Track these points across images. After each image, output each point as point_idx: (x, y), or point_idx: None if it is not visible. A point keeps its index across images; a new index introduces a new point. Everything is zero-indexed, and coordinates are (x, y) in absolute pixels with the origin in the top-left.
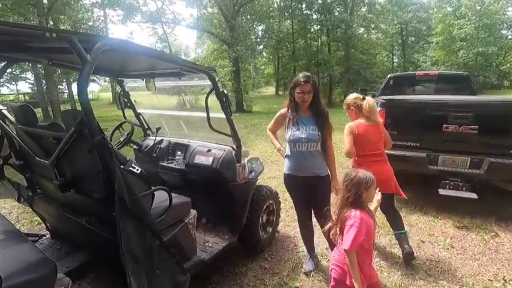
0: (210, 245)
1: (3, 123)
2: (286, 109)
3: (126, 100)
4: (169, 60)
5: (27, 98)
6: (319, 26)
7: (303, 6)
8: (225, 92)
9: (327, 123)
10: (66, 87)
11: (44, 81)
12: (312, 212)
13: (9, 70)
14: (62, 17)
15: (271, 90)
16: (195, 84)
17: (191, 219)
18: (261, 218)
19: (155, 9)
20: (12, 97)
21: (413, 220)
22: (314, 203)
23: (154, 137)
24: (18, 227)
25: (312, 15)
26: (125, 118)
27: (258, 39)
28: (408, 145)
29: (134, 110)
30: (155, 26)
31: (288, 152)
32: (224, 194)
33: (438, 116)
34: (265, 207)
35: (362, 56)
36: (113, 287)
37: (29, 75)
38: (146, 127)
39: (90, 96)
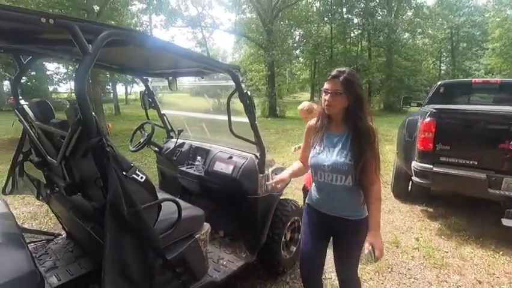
0: (225, 263)
1: (23, 120)
2: (316, 119)
3: (150, 100)
4: (187, 56)
5: None
6: (360, 31)
7: (344, 10)
8: (249, 93)
9: (370, 150)
10: (111, 87)
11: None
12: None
13: (64, 70)
14: (112, 22)
15: (306, 95)
16: (218, 84)
17: (203, 235)
18: (284, 236)
19: (195, 14)
20: (66, 95)
21: (467, 253)
22: (336, 250)
23: (175, 140)
24: (43, 222)
25: (352, 20)
26: (148, 118)
27: (295, 44)
28: (464, 163)
29: (158, 111)
30: (195, 31)
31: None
32: (244, 207)
33: (503, 130)
34: (289, 223)
35: (406, 63)
36: None
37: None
38: (169, 129)
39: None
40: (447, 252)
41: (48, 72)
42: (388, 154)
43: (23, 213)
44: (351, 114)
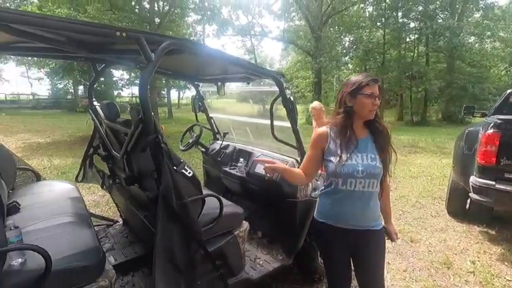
0: (261, 262)
1: (95, 118)
2: (327, 127)
3: (200, 104)
4: (235, 63)
5: (138, 100)
6: (417, 35)
7: (399, 14)
8: (292, 99)
9: (391, 148)
10: (166, 92)
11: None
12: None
13: (127, 76)
14: (170, 32)
15: None
16: (263, 90)
17: (241, 232)
18: None
19: (245, 23)
20: (127, 99)
21: None
22: (361, 267)
23: (220, 141)
24: (104, 210)
25: (409, 24)
26: (197, 121)
27: (344, 50)
28: None
29: (207, 114)
30: (244, 39)
31: (321, 185)
32: (282, 210)
33: None
34: None
35: (471, 69)
36: None
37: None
38: (216, 131)
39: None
40: (510, 280)
41: (114, 79)
42: (445, 168)
43: (88, 201)
44: (374, 117)
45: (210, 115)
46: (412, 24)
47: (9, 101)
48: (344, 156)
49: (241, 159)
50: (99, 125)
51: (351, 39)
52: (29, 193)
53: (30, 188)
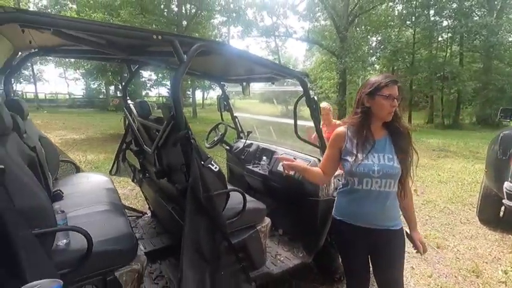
0: (282, 259)
1: (128, 115)
2: (345, 127)
3: (225, 103)
4: (260, 63)
5: (164, 100)
6: (450, 34)
7: (431, 12)
8: (316, 99)
9: (412, 149)
10: (191, 93)
11: None
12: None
13: (154, 77)
14: (196, 34)
15: None
16: (287, 90)
17: (263, 227)
18: None
19: (270, 24)
20: (154, 99)
21: None
22: (380, 266)
23: (244, 140)
24: (133, 203)
25: (441, 22)
26: (222, 120)
27: (371, 51)
28: None
29: (232, 113)
30: (269, 40)
31: (339, 184)
32: (304, 208)
33: None
34: None
35: (510, 69)
36: None
37: (168, 82)
38: (240, 130)
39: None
40: None
41: (142, 79)
42: (477, 174)
43: (119, 194)
44: (394, 117)
45: (234, 114)
46: (445, 23)
47: (49, 100)
48: (360, 156)
49: (264, 158)
50: (132, 122)
51: (379, 39)
52: (70, 183)
53: (70, 178)
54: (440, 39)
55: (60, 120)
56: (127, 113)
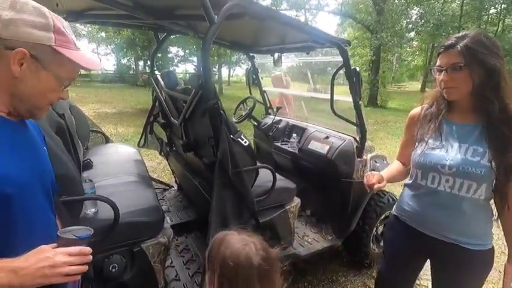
0: (309, 240)
1: (156, 87)
2: (422, 107)
3: (254, 77)
4: (298, 27)
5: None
6: (504, 5)
7: None
8: (357, 69)
9: None
10: (217, 69)
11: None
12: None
13: (182, 53)
14: None
15: (415, 85)
16: (324, 60)
17: (292, 208)
18: (375, 229)
19: None
20: (181, 75)
21: None
22: (437, 273)
23: (273, 116)
24: (160, 176)
25: None
26: (251, 94)
27: (410, 25)
28: None
29: (260, 87)
30: (299, 13)
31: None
32: (336, 190)
33: None
34: (383, 217)
35: None
36: None
37: (194, 58)
38: (268, 105)
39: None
40: None
41: (170, 55)
42: None
43: (147, 166)
44: (483, 99)
45: (263, 89)
46: None
47: (83, 75)
48: (430, 143)
49: (294, 135)
50: (159, 94)
51: (420, 11)
52: (99, 153)
53: (100, 148)
54: (491, 11)
55: (93, 94)
56: (154, 84)
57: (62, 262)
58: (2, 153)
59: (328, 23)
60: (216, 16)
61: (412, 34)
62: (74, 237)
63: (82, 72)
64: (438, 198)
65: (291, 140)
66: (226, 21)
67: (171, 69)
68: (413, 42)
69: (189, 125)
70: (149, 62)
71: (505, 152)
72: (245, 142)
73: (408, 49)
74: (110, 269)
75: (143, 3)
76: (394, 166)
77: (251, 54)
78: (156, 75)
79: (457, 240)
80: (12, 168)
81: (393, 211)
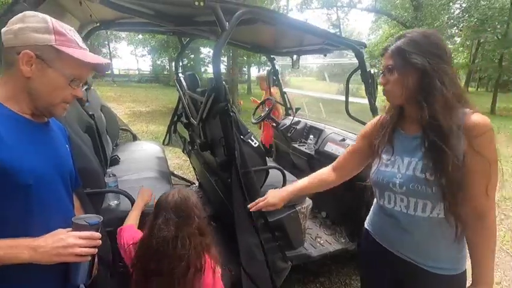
0: (322, 242)
1: (179, 88)
2: (380, 116)
3: (274, 78)
4: (311, 31)
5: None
6: None
7: None
8: (372, 72)
9: (473, 155)
10: (247, 70)
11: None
12: None
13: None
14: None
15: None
16: (341, 62)
17: (303, 208)
18: None
19: None
20: (212, 75)
21: None
22: None
23: (292, 117)
24: (186, 173)
25: None
26: (271, 95)
27: (451, 20)
28: None
29: (281, 89)
30: (330, 12)
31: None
32: (351, 193)
33: None
34: None
35: None
36: (225, 243)
37: (225, 58)
38: (288, 106)
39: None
40: None
41: (201, 56)
42: None
43: (173, 164)
44: (415, 102)
45: (284, 90)
46: None
47: (121, 75)
48: (384, 159)
49: (311, 136)
50: (182, 95)
51: (463, 5)
52: (126, 149)
53: (128, 145)
54: None
55: (130, 93)
56: (178, 86)
57: (74, 244)
58: (25, 149)
59: (361, 21)
60: (228, 23)
61: (455, 30)
62: (86, 223)
63: (121, 72)
64: (396, 219)
65: (308, 141)
66: (243, 26)
67: (202, 69)
68: (455, 39)
69: (206, 125)
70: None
71: (441, 166)
72: (255, 143)
73: (450, 46)
74: None
75: (163, 11)
76: (313, 175)
77: (271, 56)
78: (180, 77)
79: (423, 263)
80: (32, 162)
81: (366, 224)
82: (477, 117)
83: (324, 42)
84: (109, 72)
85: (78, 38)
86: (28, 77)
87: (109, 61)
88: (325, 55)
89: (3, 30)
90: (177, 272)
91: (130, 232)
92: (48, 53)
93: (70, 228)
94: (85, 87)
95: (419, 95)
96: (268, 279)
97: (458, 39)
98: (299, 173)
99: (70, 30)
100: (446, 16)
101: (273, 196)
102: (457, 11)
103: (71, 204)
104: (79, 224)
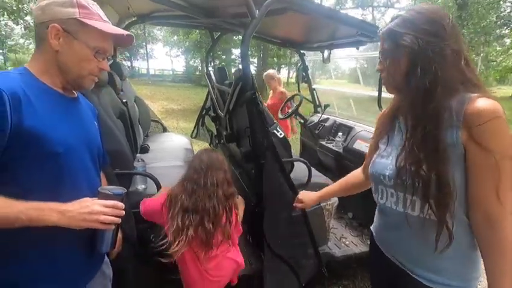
0: (347, 242)
1: (208, 82)
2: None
3: (304, 74)
4: (343, 20)
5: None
6: None
7: None
8: None
9: (476, 149)
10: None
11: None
12: None
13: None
14: None
15: (506, 91)
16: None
17: (329, 206)
18: None
19: None
20: None
21: None
22: None
23: (320, 114)
24: None
25: None
26: (299, 91)
27: (501, 20)
28: None
29: (310, 85)
30: (365, 12)
31: None
32: None
33: None
34: None
35: None
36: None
37: (255, 60)
38: (317, 103)
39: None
40: None
41: (233, 57)
42: None
43: None
44: (406, 87)
45: (313, 86)
46: None
47: (156, 75)
48: (381, 149)
49: (340, 134)
50: (211, 88)
51: None
52: (156, 140)
53: (158, 136)
54: None
55: (163, 92)
56: (207, 80)
57: (98, 211)
58: (57, 120)
59: None
60: (257, 11)
61: (505, 30)
62: (111, 193)
63: (157, 72)
64: (387, 216)
65: (337, 138)
66: (274, 17)
67: (233, 70)
68: (505, 40)
69: (233, 117)
70: (212, 61)
71: (417, 157)
72: (280, 134)
73: (498, 48)
74: (151, 238)
75: (195, 3)
76: (343, 180)
77: (302, 52)
78: (209, 71)
79: (418, 274)
80: (63, 132)
81: (372, 226)
82: (482, 102)
83: (357, 33)
84: (146, 72)
85: (101, 12)
86: (57, 51)
87: (131, 33)
88: (357, 48)
89: (34, 7)
90: (209, 207)
91: (153, 199)
92: (74, 26)
93: (96, 198)
94: (111, 61)
95: (412, 79)
96: (292, 275)
97: (508, 41)
98: (326, 172)
99: (93, 5)
100: (495, 15)
101: (303, 196)
102: (508, 9)
103: (98, 176)
104: (104, 193)
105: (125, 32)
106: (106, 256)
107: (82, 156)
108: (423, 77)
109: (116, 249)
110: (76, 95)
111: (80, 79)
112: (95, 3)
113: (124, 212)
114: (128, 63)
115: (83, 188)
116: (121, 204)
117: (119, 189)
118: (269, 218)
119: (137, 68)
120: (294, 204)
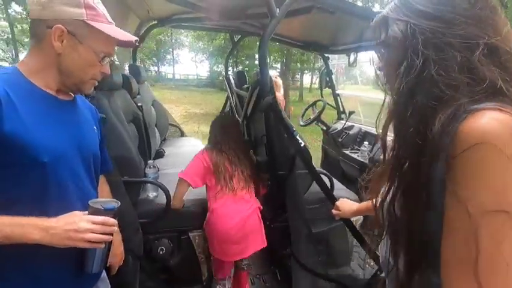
0: (372, 264)
1: (227, 86)
2: None
3: (328, 79)
4: (372, 17)
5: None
6: None
7: None
8: None
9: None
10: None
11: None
12: None
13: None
14: None
15: None
16: None
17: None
18: None
19: None
20: None
21: None
22: None
23: (344, 121)
24: None
25: None
26: (322, 97)
27: None
28: None
29: (333, 90)
30: None
31: None
32: None
33: None
34: None
35: None
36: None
37: (278, 65)
38: (341, 110)
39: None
40: None
41: (256, 62)
42: None
43: None
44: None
45: (337, 91)
46: None
47: (181, 80)
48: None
49: (366, 143)
50: (230, 93)
51: None
52: (173, 144)
53: (175, 140)
54: None
55: (187, 96)
56: (226, 84)
57: (85, 228)
58: (43, 125)
59: None
60: (278, 10)
61: None
62: (101, 207)
63: (182, 77)
64: None
65: (362, 148)
66: (297, 18)
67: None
68: None
69: (250, 123)
70: (235, 68)
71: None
72: (300, 143)
73: None
74: (158, 250)
75: (215, 4)
76: None
77: (326, 56)
78: (229, 75)
79: None
80: (50, 138)
81: None
82: (480, 120)
83: None
84: (171, 77)
85: (106, 12)
86: (59, 53)
87: (137, 38)
88: None
89: (28, 0)
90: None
91: (190, 167)
92: (80, 29)
93: (87, 211)
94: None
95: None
96: None
97: None
98: (349, 183)
99: (98, 4)
100: None
101: (342, 204)
102: None
103: (93, 187)
104: (94, 207)
105: (133, 38)
106: (104, 272)
107: (72, 166)
108: (405, 78)
109: (117, 264)
110: (73, 97)
111: (81, 84)
112: (99, 0)
113: (116, 229)
114: (155, 68)
115: (73, 200)
116: (112, 221)
117: (111, 203)
118: (297, 236)
119: (163, 73)
120: (332, 210)
